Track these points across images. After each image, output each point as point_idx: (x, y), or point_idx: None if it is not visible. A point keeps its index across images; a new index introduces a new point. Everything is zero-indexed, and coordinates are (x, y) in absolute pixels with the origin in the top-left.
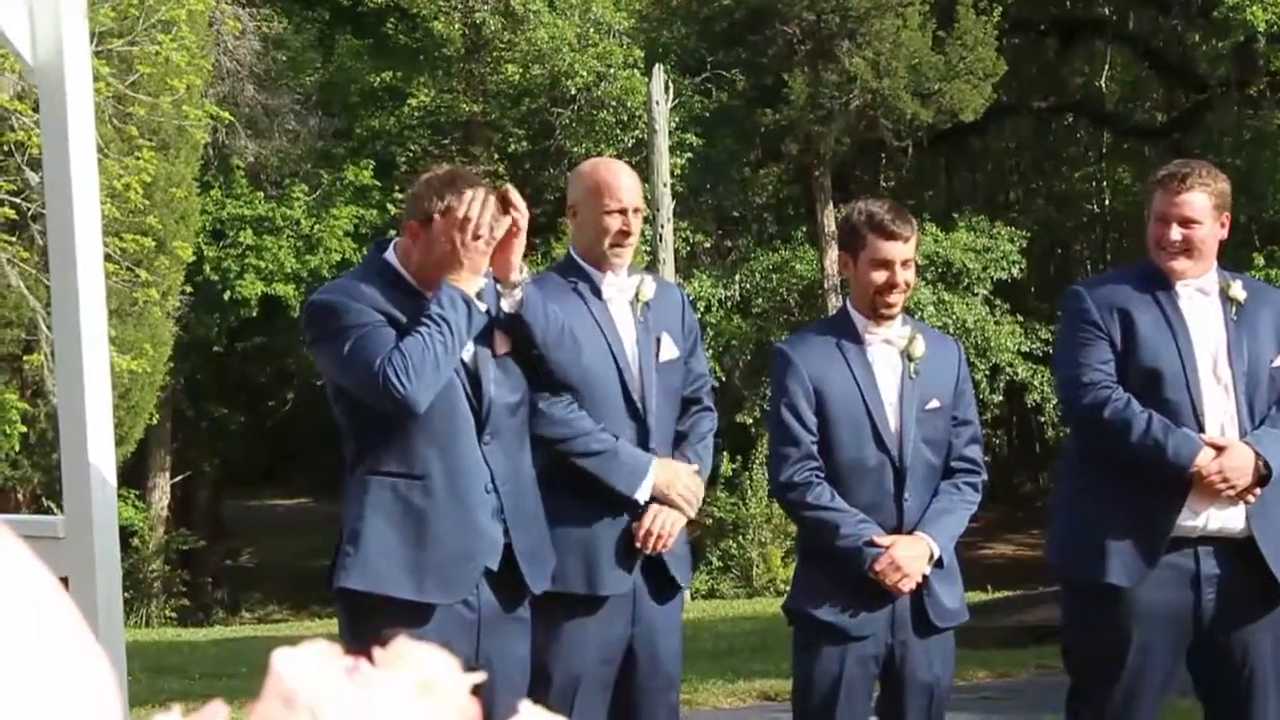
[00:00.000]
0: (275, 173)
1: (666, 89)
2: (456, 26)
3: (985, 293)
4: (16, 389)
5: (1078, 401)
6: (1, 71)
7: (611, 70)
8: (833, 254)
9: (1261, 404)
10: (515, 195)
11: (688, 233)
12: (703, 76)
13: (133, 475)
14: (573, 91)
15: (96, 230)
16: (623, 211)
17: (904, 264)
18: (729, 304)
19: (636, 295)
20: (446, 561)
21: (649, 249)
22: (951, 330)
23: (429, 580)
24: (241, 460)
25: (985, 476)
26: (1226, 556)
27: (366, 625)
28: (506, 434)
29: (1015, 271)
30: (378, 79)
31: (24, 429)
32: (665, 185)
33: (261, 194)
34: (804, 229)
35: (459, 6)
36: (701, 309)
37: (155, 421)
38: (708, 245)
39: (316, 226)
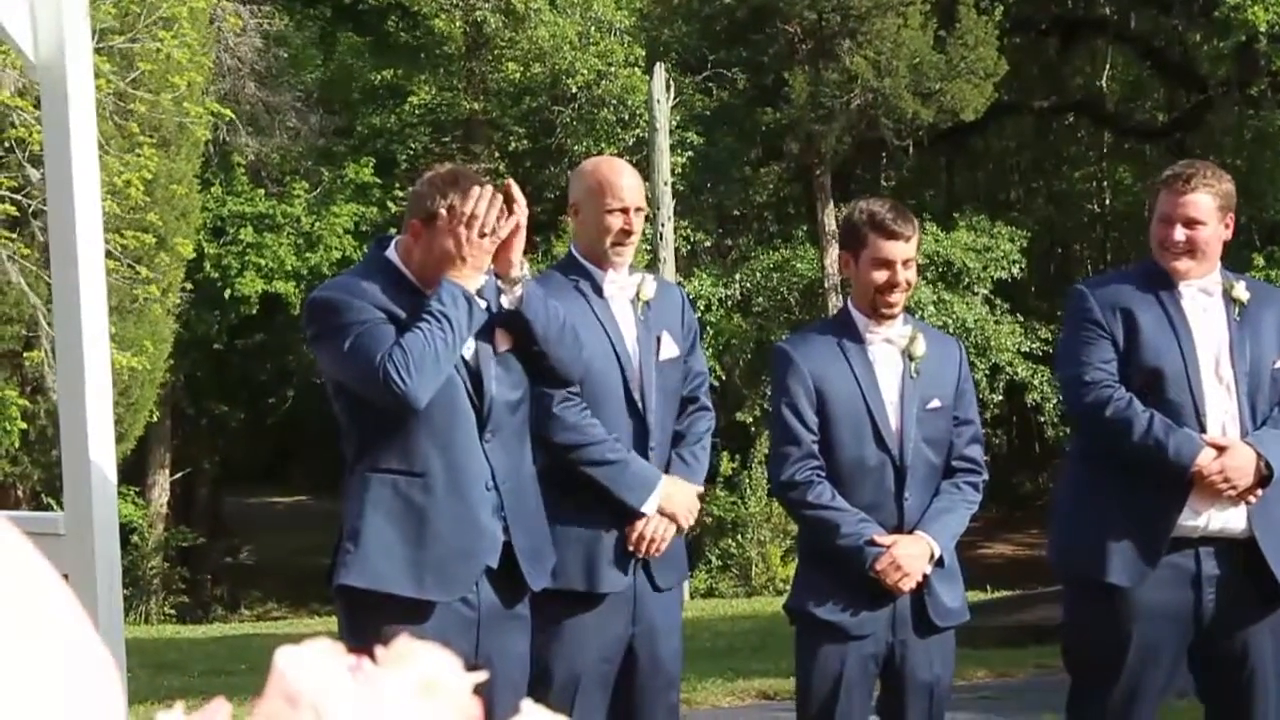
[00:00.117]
0: (276, 170)
1: (667, 87)
2: (457, 24)
3: (985, 292)
4: (17, 385)
5: (1079, 400)
6: (3, 68)
7: (612, 69)
8: (833, 253)
9: (1264, 404)
10: (517, 190)
11: (688, 231)
12: (703, 75)
13: (132, 472)
14: (573, 90)
15: (98, 227)
16: (624, 210)
17: (905, 263)
18: (729, 303)
19: (637, 294)
20: (446, 559)
21: (649, 247)
22: (951, 330)
23: (429, 578)
24: (241, 458)
25: (986, 476)
26: (1227, 557)
27: (366, 623)
28: (507, 431)
29: (1015, 271)
30: (379, 77)
31: (24, 425)
32: (666, 184)
33: (262, 191)
34: (804, 228)
35: (460, 4)
36: (702, 308)
37: (155, 419)
38: (708, 244)
39: (317, 224)
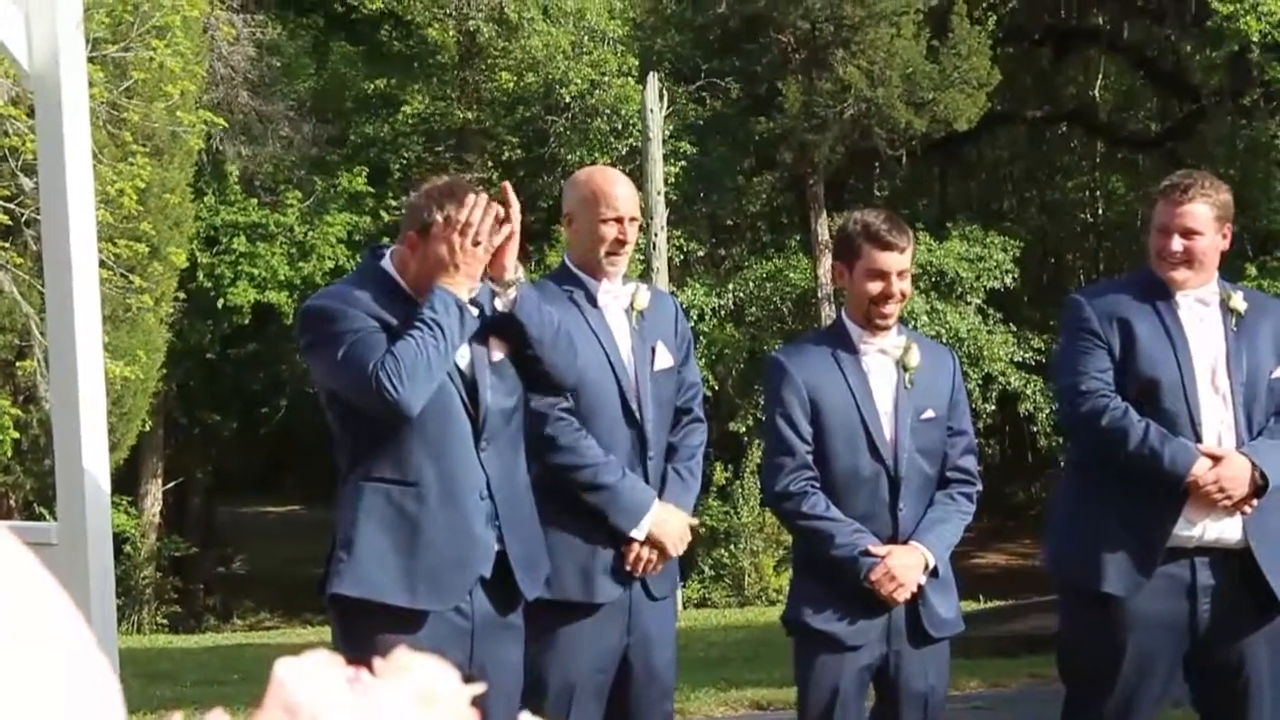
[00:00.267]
0: (269, 179)
1: (661, 97)
2: (451, 34)
3: (978, 302)
4: (9, 395)
5: (1075, 409)
6: None
7: (606, 78)
8: (826, 263)
9: (1260, 415)
10: (512, 195)
11: (681, 241)
12: (697, 85)
13: (125, 482)
14: (567, 99)
15: (91, 236)
16: (619, 220)
17: (900, 274)
18: (722, 313)
19: (631, 304)
20: (440, 568)
21: (642, 257)
22: (944, 339)
23: (422, 587)
24: (234, 467)
25: (980, 486)
26: (1223, 567)
27: (360, 632)
28: (502, 440)
29: (1008, 281)
30: (372, 86)
31: (16, 435)
32: (659, 193)
33: (255, 200)
34: (798, 238)
35: (453, 14)
36: (695, 317)
37: (148, 428)
38: (701, 254)
39: (310, 233)
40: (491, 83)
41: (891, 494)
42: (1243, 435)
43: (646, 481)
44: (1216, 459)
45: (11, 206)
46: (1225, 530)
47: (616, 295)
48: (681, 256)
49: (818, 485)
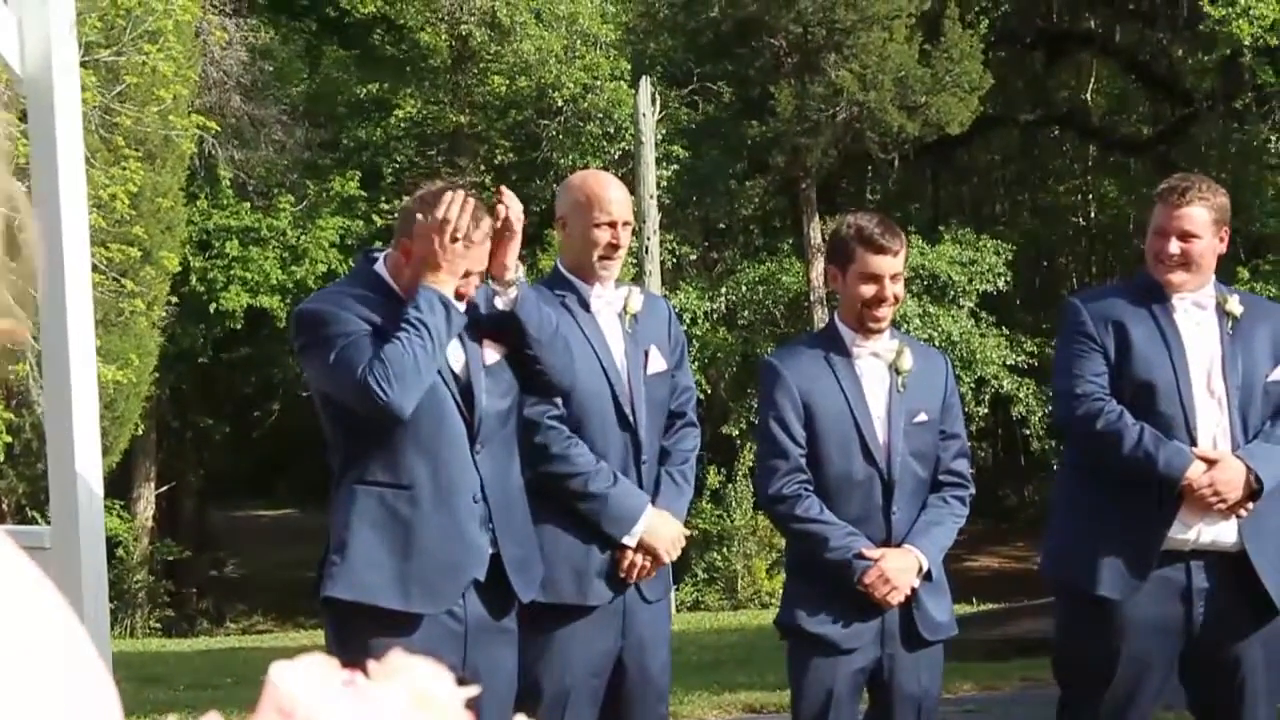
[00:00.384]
0: (261, 183)
1: (653, 101)
2: (443, 38)
3: (971, 305)
4: (1, 399)
5: (1071, 413)
6: None
7: (598, 82)
8: (819, 266)
9: (1255, 418)
10: (511, 197)
11: (674, 245)
12: (689, 89)
13: (118, 486)
14: (559, 103)
15: (84, 240)
16: (612, 225)
17: (893, 278)
18: (715, 316)
19: (624, 308)
20: (433, 572)
21: (635, 261)
22: (937, 343)
23: (415, 590)
24: (226, 471)
25: (973, 490)
26: (1218, 570)
27: (353, 635)
28: (496, 442)
29: (1001, 284)
30: (364, 90)
31: (9, 439)
32: (651, 197)
33: (247, 205)
34: (790, 241)
35: (446, 18)
36: (687, 321)
37: (140, 432)
38: (694, 257)
39: (302, 237)
40: (484, 87)
41: (885, 497)
42: (1238, 438)
43: (640, 485)
44: (1211, 462)
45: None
46: (1221, 533)
47: (609, 299)
48: (674, 260)
49: (811, 488)
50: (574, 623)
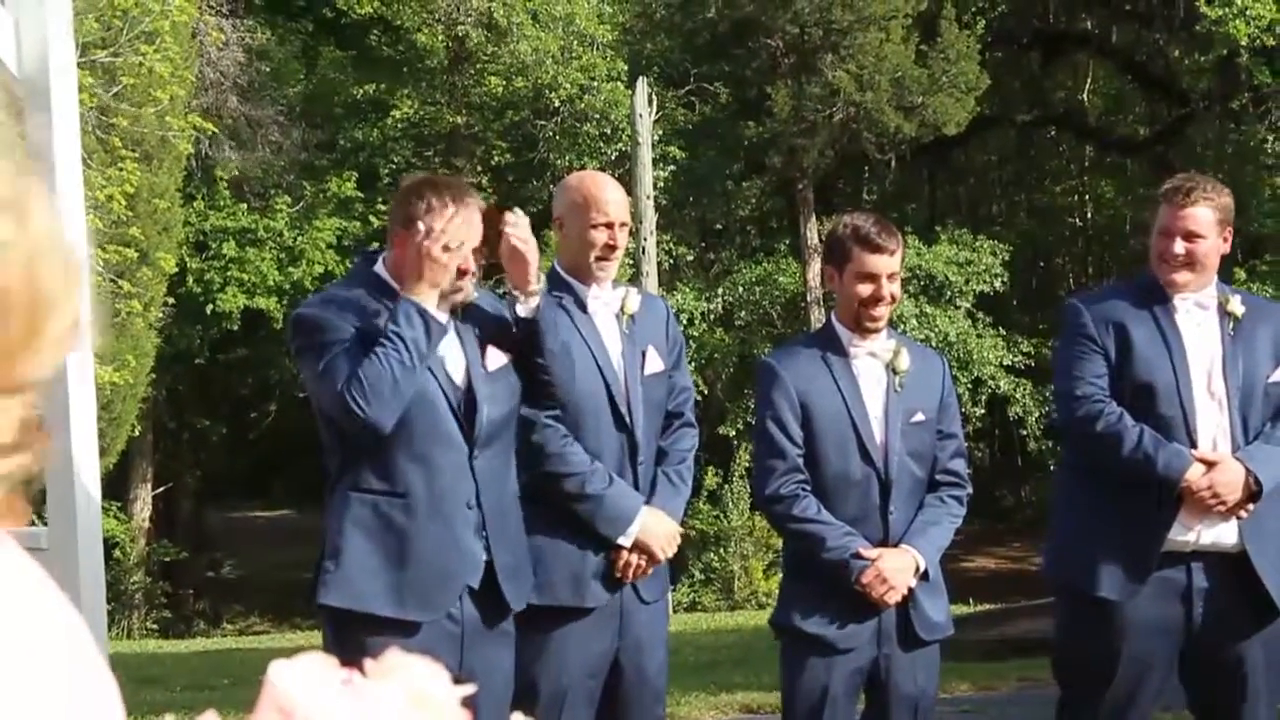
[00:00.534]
0: (258, 184)
1: (650, 102)
2: (440, 39)
3: (967, 306)
4: None
5: (1071, 415)
6: None
7: (595, 83)
8: (815, 267)
9: (1256, 419)
10: (512, 222)
11: (671, 245)
12: (686, 89)
13: (114, 487)
14: (556, 104)
15: (82, 242)
16: (609, 225)
17: (890, 277)
18: (711, 317)
19: (622, 308)
20: (427, 580)
21: (631, 262)
22: (934, 343)
23: (409, 598)
24: (223, 472)
25: (970, 489)
26: (1219, 571)
27: (351, 639)
28: (494, 449)
29: (997, 284)
30: (361, 91)
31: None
32: (648, 198)
33: (244, 206)
34: (787, 242)
35: (442, 19)
36: (684, 322)
37: (137, 433)
38: (690, 258)
39: (299, 238)
40: (480, 87)
41: (882, 497)
42: (1238, 440)
43: (636, 486)
44: (1211, 464)
45: None
46: (1221, 534)
47: (607, 300)
48: (671, 261)
49: (808, 488)
50: (571, 623)
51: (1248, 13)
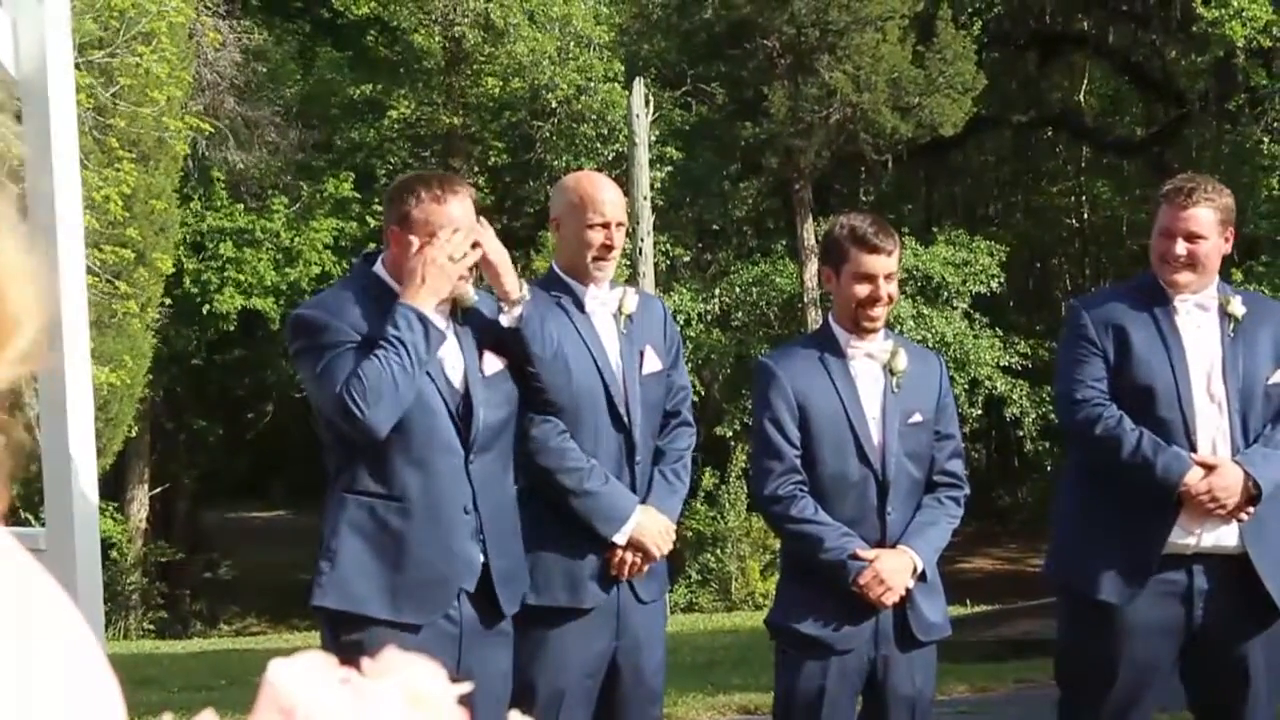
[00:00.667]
0: (255, 185)
1: (647, 102)
2: (437, 39)
3: (964, 306)
4: None
5: (1071, 418)
6: None
7: (592, 83)
8: (812, 267)
9: (1256, 421)
10: (478, 230)
11: (667, 246)
12: (683, 90)
13: (111, 488)
14: (553, 105)
15: (79, 242)
16: (606, 225)
17: (887, 277)
18: (708, 317)
19: (619, 308)
20: (422, 583)
21: (628, 262)
22: (931, 344)
23: (405, 601)
24: (220, 472)
25: (967, 490)
26: (1220, 572)
27: (348, 640)
28: (492, 453)
29: (994, 285)
30: (358, 91)
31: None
32: (645, 198)
33: (241, 206)
34: (784, 242)
35: (439, 20)
36: (681, 322)
37: (134, 434)
38: (687, 259)
39: (296, 239)
40: (477, 88)
41: (879, 498)
42: (1238, 442)
43: (634, 485)
44: (1210, 468)
45: None
46: (1222, 537)
47: (604, 300)
48: (668, 261)
49: (806, 489)
50: (568, 624)
51: (1244, 14)
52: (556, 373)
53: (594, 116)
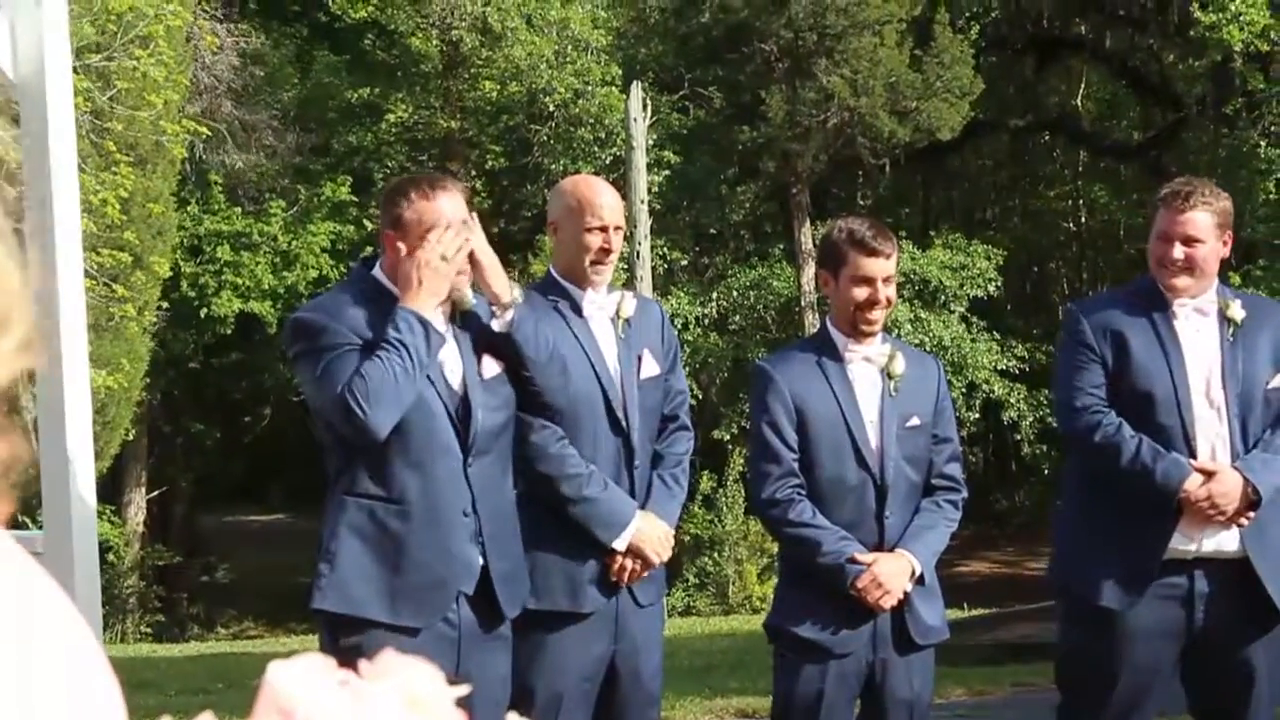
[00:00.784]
0: (252, 188)
1: (644, 106)
2: (434, 43)
3: (962, 310)
4: None
5: (1070, 425)
6: None
7: (589, 87)
8: (810, 271)
9: (1256, 426)
10: (467, 229)
11: (665, 250)
12: (680, 94)
13: (108, 491)
14: (550, 108)
15: (77, 246)
16: (604, 229)
17: (885, 280)
18: (706, 321)
19: (617, 312)
20: (422, 586)
21: (626, 266)
22: (928, 348)
23: (404, 604)
24: (217, 476)
25: (965, 494)
26: (1221, 576)
27: (348, 642)
28: (490, 456)
29: (992, 289)
30: (355, 95)
31: None
32: (643, 202)
33: (239, 210)
34: (781, 246)
35: (437, 23)
36: (679, 326)
37: (131, 437)
38: (685, 263)
39: (294, 243)
40: (475, 92)
41: (878, 502)
42: (1238, 447)
43: (632, 489)
44: (1209, 474)
45: None
46: (1223, 542)
47: (602, 304)
48: (665, 265)
49: (804, 493)
50: (567, 628)
51: (1241, 18)
52: (553, 375)
53: (591, 120)
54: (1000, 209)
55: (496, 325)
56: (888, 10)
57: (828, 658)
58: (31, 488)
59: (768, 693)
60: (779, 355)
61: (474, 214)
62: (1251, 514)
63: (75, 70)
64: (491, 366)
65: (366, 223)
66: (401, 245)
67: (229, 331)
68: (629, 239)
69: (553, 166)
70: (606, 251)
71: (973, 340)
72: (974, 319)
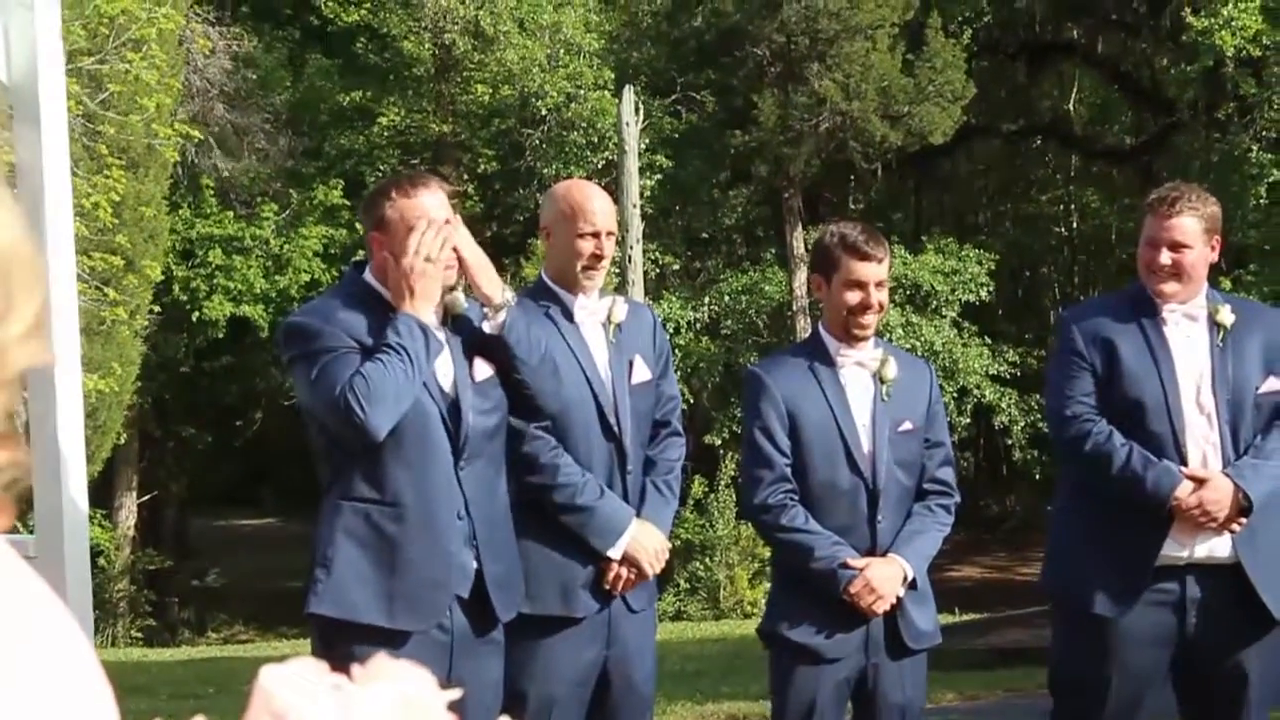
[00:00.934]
0: (245, 192)
1: (636, 110)
2: (426, 46)
3: (953, 315)
4: None
5: (1061, 434)
6: None
7: (581, 91)
8: (802, 276)
9: (1246, 431)
10: (449, 230)
11: (657, 254)
12: (672, 98)
13: (99, 495)
14: (543, 112)
15: (70, 249)
16: (595, 235)
17: (878, 285)
18: (698, 326)
19: (608, 317)
20: (417, 589)
21: (618, 271)
22: (920, 352)
23: (399, 607)
24: (209, 480)
25: (958, 498)
26: (1213, 582)
27: (340, 648)
28: (482, 459)
29: (983, 294)
30: (347, 98)
31: None
32: (635, 206)
33: (231, 213)
34: (773, 251)
35: (429, 27)
36: (670, 330)
37: (122, 441)
38: (677, 267)
39: (286, 246)
40: (467, 95)
41: (870, 506)
42: (1228, 454)
43: (625, 495)
44: (1200, 481)
45: None
46: (1215, 548)
47: (593, 309)
48: (657, 270)
49: (796, 498)
50: (560, 633)
51: (1234, 23)
52: (545, 378)
53: (584, 124)
54: (992, 213)
55: (488, 327)
56: (880, 15)
57: (820, 662)
58: (19, 485)
59: (759, 697)
60: (771, 360)
61: (457, 215)
62: (1243, 520)
63: (67, 74)
64: (483, 369)
65: (359, 226)
66: (388, 255)
67: (221, 335)
68: (620, 243)
69: (545, 170)
70: (598, 257)
71: (964, 345)
72: (965, 324)
